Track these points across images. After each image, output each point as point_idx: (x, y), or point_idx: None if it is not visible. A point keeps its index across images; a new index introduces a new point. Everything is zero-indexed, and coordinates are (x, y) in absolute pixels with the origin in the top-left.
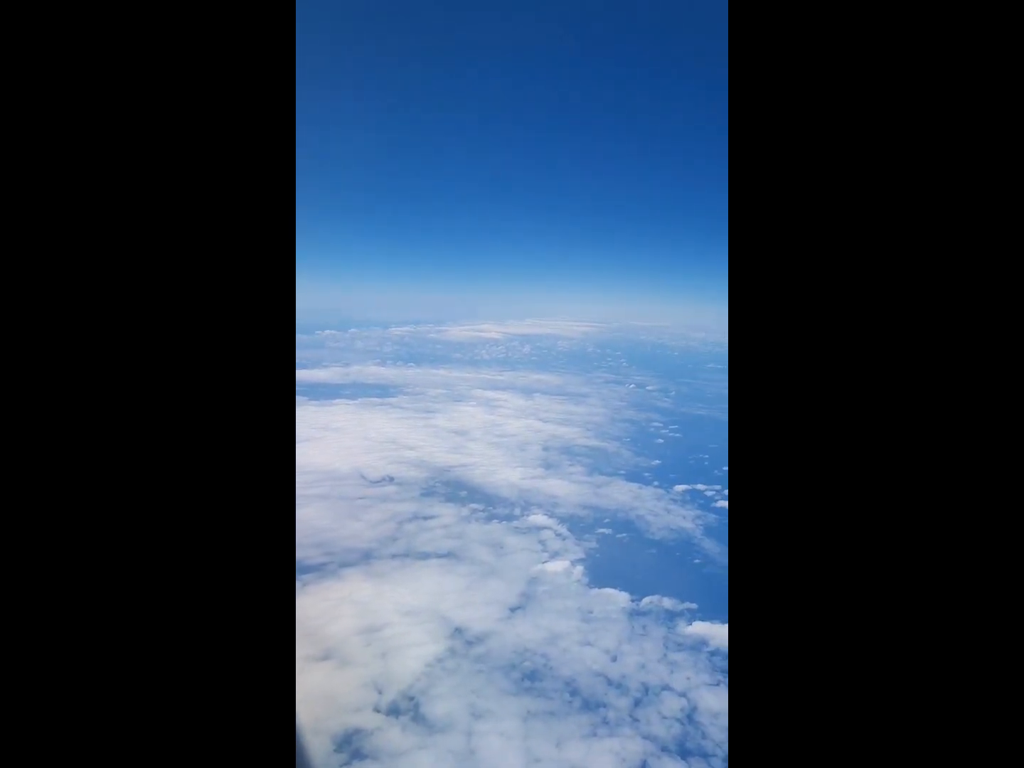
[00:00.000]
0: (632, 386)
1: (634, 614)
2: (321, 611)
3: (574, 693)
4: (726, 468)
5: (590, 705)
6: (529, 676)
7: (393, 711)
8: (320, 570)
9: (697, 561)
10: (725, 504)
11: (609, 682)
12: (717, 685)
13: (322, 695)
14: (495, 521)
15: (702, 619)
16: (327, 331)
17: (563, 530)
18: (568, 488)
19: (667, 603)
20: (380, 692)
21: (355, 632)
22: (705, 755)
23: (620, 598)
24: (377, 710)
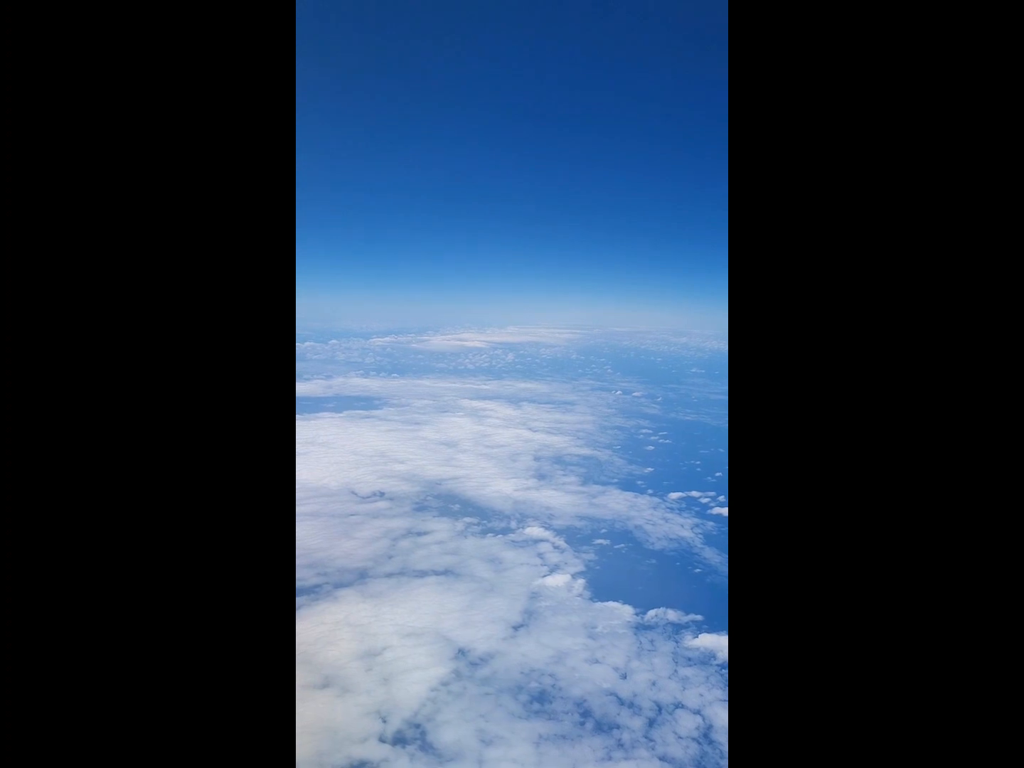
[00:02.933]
0: (619, 392)
1: (640, 628)
2: (318, 635)
3: (585, 714)
4: (719, 474)
5: (603, 727)
6: (538, 698)
7: (399, 740)
8: (314, 592)
9: (698, 571)
10: (722, 511)
11: (621, 701)
12: None
13: (323, 726)
14: (491, 535)
15: (708, 631)
16: (307, 343)
17: (560, 542)
18: (563, 499)
19: (672, 615)
20: (384, 720)
21: (354, 657)
22: None
23: (624, 611)
24: (383, 740)
